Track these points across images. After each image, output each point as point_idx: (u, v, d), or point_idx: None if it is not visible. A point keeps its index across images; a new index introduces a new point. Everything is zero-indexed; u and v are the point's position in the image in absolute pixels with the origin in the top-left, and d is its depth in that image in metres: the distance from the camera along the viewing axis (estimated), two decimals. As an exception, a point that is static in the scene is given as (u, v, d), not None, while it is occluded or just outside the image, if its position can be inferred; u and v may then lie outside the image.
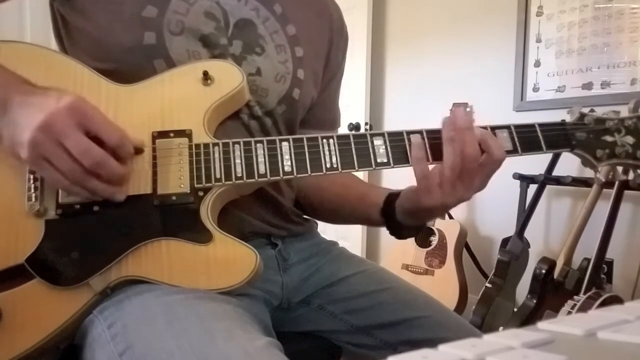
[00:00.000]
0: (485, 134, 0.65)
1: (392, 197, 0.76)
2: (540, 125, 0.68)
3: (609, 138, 0.69)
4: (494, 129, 0.67)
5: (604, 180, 1.70)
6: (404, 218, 0.74)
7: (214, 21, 0.72)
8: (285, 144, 0.64)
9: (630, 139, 0.69)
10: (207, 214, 0.62)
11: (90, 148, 0.56)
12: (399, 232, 0.76)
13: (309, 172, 0.64)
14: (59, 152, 0.55)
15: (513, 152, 0.67)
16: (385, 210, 0.76)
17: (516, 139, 0.67)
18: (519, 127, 0.68)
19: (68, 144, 0.54)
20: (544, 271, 1.82)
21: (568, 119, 0.71)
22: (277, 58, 0.77)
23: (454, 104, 2.59)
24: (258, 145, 0.64)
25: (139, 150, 0.62)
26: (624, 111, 0.74)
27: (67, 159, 0.55)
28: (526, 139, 0.67)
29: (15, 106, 0.56)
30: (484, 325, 1.93)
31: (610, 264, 1.89)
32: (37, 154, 0.55)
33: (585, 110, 0.71)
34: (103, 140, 0.57)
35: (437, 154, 0.65)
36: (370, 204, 0.79)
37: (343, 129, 2.79)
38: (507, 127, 0.67)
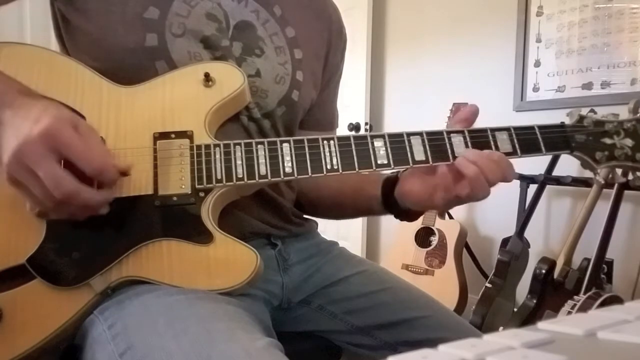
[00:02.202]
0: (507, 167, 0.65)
1: (389, 185, 0.75)
2: (540, 127, 0.68)
3: (608, 140, 0.69)
4: (493, 130, 0.67)
5: (603, 182, 1.70)
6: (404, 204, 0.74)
7: (216, 22, 0.73)
8: (286, 145, 0.64)
9: (629, 142, 0.69)
10: (207, 214, 0.62)
11: (61, 179, 0.53)
12: (403, 215, 0.77)
13: (310, 174, 0.64)
14: (32, 181, 0.53)
15: (512, 154, 0.67)
16: (386, 201, 0.76)
17: (515, 141, 0.67)
18: (519, 129, 0.68)
19: (40, 174, 0.53)
20: (544, 271, 1.82)
21: (567, 121, 0.71)
22: (277, 60, 0.77)
23: (454, 104, 2.59)
24: (259, 146, 0.64)
25: (124, 173, 0.61)
26: (624, 111, 0.74)
27: (40, 187, 0.53)
28: (525, 141, 0.67)
29: (3, 123, 0.55)
30: (484, 325, 1.93)
31: (610, 264, 1.89)
32: (13, 178, 0.54)
33: (585, 112, 0.71)
34: (80, 169, 0.55)
35: (437, 155, 0.66)
36: (367, 194, 0.79)
37: (343, 129, 2.80)
38: (507, 129, 0.68)
